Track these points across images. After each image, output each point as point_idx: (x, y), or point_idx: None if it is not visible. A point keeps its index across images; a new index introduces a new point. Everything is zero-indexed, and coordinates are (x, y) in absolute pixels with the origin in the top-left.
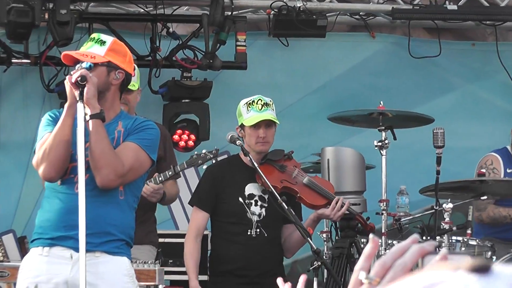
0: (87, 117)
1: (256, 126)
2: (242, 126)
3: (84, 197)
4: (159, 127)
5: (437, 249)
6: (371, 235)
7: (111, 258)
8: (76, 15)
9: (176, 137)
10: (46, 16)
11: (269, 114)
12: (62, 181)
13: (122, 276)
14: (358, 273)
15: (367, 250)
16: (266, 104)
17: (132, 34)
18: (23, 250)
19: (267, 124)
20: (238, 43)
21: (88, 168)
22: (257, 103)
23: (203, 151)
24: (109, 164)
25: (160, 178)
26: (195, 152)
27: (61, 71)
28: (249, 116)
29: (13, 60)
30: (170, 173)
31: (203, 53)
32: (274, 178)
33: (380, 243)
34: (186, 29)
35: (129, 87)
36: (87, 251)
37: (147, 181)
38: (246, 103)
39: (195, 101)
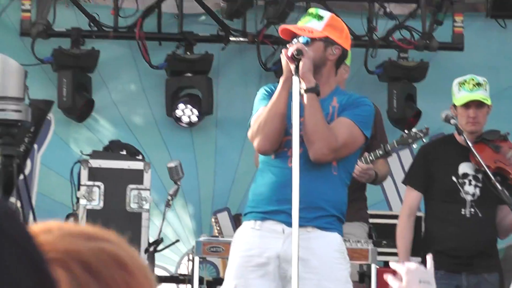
0: (302, 91)
1: (466, 106)
2: (454, 105)
3: (298, 171)
4: (373, 107)
5: None
6: None
7: (322, 234)
8: None
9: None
10: None
11: (480, 94)
12: (276, 154)
13: (334, 251)
14: None
15: None
16: (478, 84)
17: (348, 14)
18: (237, 228)
19: (478, 104)
20: (455, 24)
21: (302, 142)
22: (468, 83)
23: (413, 130)
24: (322, 138)
25: (371, 157)
26: (405, 131)
27: (278, 49)
28: (460, 95)
29: (230, 38)
30: (380, 152)
31: (420, 34)
32: (488, 158)
33: None
34: (403, 9)
35: None
36: (299, 226)
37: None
38: (459, 82)
39: (412, 81)
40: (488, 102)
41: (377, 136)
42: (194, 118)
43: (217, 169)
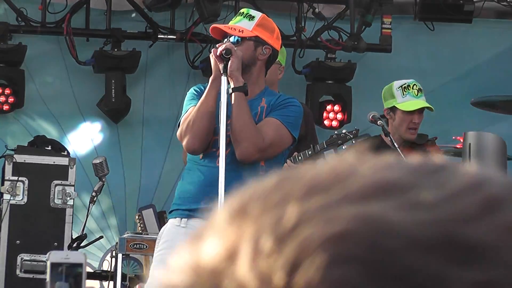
0: (230, 90)
1: (411, 111)
2: (392, 108)
3: (224, 171)
4: (302, 106)
5: None
6: None
7: None
8: None
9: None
10: None
11: (424, 101)
12: (204, 154)
13: None
14: None
15: None
16: (420, 90)
17: (278, 13)
18: (162, 225)
19: (421, 110)
20: (384, 26)
21: (230, 143)
22: (413, 88)
23: (343, 131)
24: (249, 137)
25: (300, 158)
26: (335, 132)
27: (206, 48)
28: (405, 100)
29: (159, 36)
30: (309, 152)
31: (348, 35)
32: None
33: None
34: (332, 10)
35: None
36: None
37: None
38: (401, 86)
39: (338, 82)
40: (433, 108)
41: (307, 136)
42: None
43: (143, 167)
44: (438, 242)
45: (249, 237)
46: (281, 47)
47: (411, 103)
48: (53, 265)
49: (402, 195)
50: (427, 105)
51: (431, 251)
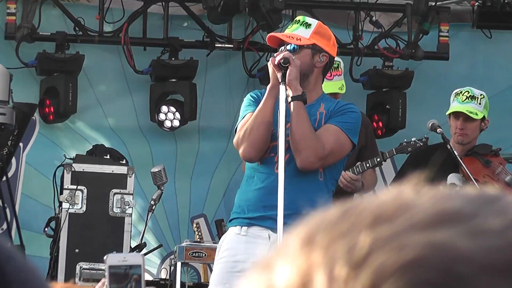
0: (289, 99)
1: (456, 116)
2: (451, 114)
3: (283, 178)
4: (361, 115)
5: None
6: None
7: None
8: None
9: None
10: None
11: (467, 107)
12: (262, 160)
13: None
14: None
15: None
16: (472, 97)
17: (334, 23)
18: (219, 233)
19: (467, 116)
20: (441, 34)
21: (288, 148)
22: (463, 94)
23: (413, 139)
24: (309, 146)
25: (368, 165)
26: (405, 140)
27: (264, 56)
28: (452, 105)
29: (216, 45)
30: (378, 159)
31: (405, 43)
32: (477, 171)
33: None
34: (389, 18)
35: None
36: (285, 231)
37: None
38: (455, 92)
39: (395, 89)
40: (475, 116)
41: (368, 145)
42: (176, 123)
43: (195, 176)
44: (507, 267)
45: (321, 265)
46: (337, 54)
47: (452, 107)
48: (111, 267)
49: (466, 223)
50: (464, 109)
51: (501, 276)
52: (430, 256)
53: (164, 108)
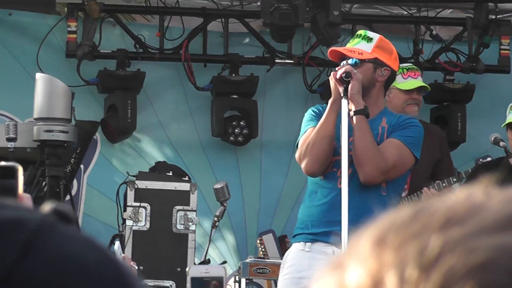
0: (351, 113)
1: (509, 128)
2: (507, 126)
3: (347, 193)
4: (435, 129)
5: None
6: None
7: None
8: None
9: None
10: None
11: None
12: (325, 175)
13: None
14: None
15: None
16: None
17: (394, 37)
18: (283, 249)
19: None
20: (502, 47)
21: (351, 163)
22: None
23: (488, 158)
24: (372, 160)
25: (444, 184)
26: (480, 159)
27: (324, 71)
28: (508, 117)
29: (276, 60)
30: (454, 179)
31: (466, 56)
32: None
33: None
34: (449, 32)
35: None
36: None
37: (429, 186)
38: (510, 105)
39: (457, 103)
40: None
41: (443, 160)
42: (241, 139)
43: (262, 191)
44: None
45: (392, 266)
46: (399, 68)
47: (508, 119)
48: (194, 279)
49: None
50: None
51: None
52: (499, 259)
53: (229, 124)
